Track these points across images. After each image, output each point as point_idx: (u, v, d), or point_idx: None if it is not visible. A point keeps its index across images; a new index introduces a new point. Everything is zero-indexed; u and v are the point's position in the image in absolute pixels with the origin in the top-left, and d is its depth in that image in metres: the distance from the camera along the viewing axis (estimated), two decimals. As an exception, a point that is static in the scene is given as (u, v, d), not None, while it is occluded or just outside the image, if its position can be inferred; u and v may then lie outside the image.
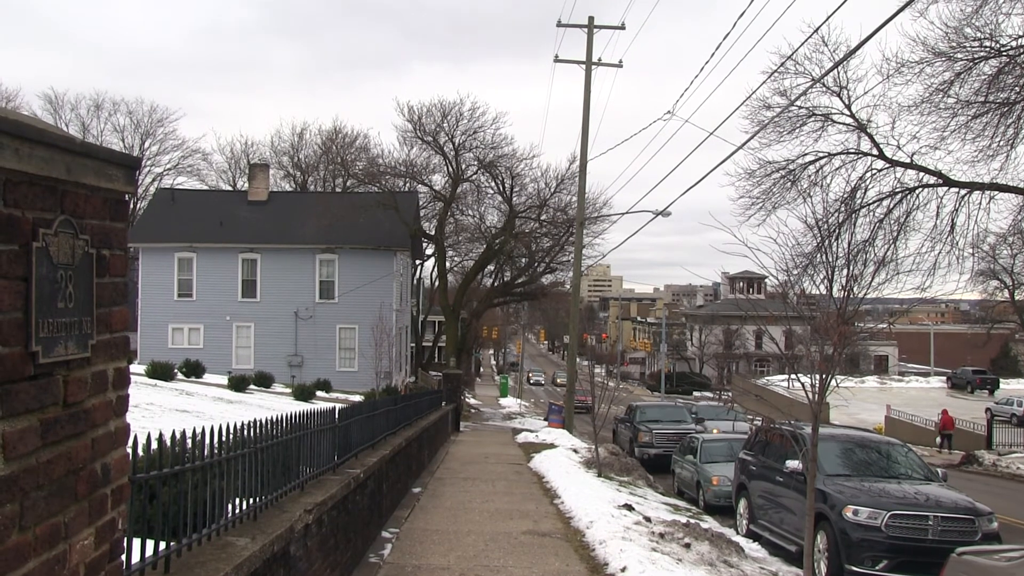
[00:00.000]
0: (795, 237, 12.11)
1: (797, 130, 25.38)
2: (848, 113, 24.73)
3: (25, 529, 2.45)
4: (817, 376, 9.73)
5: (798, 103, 24.30)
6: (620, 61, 32.56)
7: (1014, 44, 21.55)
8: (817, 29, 19.96)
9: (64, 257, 2.63)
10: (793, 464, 12.51)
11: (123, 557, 3.31)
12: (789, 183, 25.71)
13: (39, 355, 2.49)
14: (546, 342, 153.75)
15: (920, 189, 24.67)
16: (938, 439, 39.32)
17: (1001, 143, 22.49)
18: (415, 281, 56.96)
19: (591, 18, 31.34)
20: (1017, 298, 49.55)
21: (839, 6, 13.61)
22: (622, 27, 31.64)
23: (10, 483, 2.38)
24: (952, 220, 23.98)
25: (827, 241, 11.08)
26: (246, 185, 51.45)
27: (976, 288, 43.50)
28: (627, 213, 32.73)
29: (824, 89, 24.40)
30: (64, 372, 2.64)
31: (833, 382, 9.82)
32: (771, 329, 11.68)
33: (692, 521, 12.94)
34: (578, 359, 34.17)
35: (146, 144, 64.09)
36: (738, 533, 14.39)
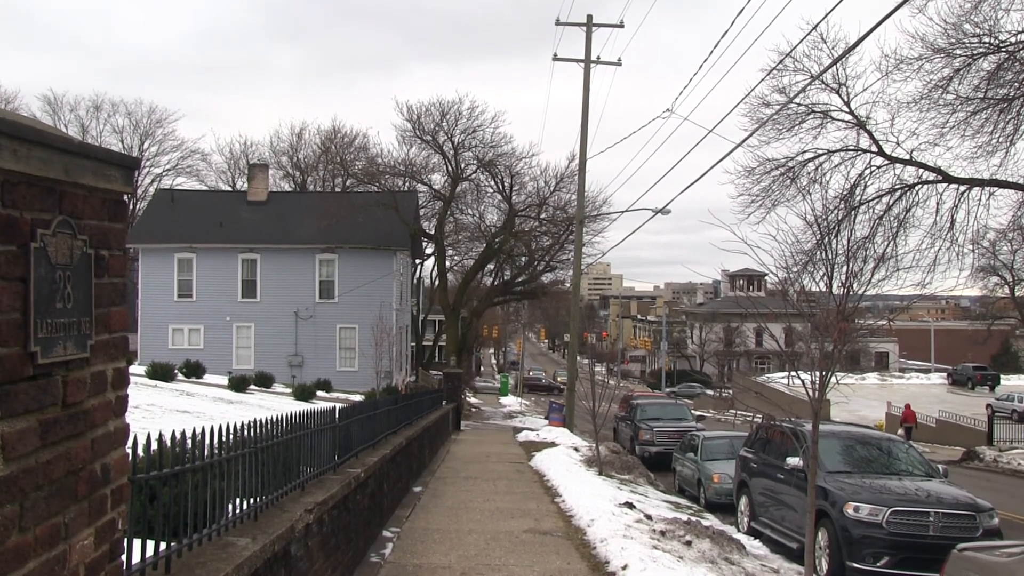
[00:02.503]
0: (795, 234, 12.12)
1: (796, 127, 25.38)
2: (847, 110, 24.74)
3: (25, 530, 2.45)
4: (817, 373, 9.73)
5: (797, 100, 24.31)
6: (619, 59, 32.55)
7: (1013, 40, 21.55)
8: (816, 26, 19.93)
9: (62, 258, 2.63)
10: (794, 461, 12.51)
11: (123, 557, 3.31)
12: (788, 180, 25.72)
13: (38, 355, 2.49)
14: (546, 341, 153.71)
15: (919, 186, 24.68)
16: (899, 431, 39.49)
17: (1000, 139, 22.50)
18: (415, 280, 56.98)
19: (590, 16, 31.33)
20: (1017, 294, 49.56)
21: (837, 3, 13.61)
22: (621, 25, 31.63)
23: (10, 484, 2.38)
24: (952, 216, 23.99)
25: (827, 238, 11.07)
26: (245, 185, 51.45)
27: (976, 284, 43.47)
28: (627, 211, 32.76)
29: (823, 86, 24.41)
30: (63, 372, 2.64)
31: (833, 379, 9.82)
32: (771, 326, 11.68)
33: (693, 519, 12.94)
34: (579, 357, 34.18)
35: (145, 145, 64.15)
36: (739, 530, 14.40)
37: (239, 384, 30.35)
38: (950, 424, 42.24)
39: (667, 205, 28.64)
